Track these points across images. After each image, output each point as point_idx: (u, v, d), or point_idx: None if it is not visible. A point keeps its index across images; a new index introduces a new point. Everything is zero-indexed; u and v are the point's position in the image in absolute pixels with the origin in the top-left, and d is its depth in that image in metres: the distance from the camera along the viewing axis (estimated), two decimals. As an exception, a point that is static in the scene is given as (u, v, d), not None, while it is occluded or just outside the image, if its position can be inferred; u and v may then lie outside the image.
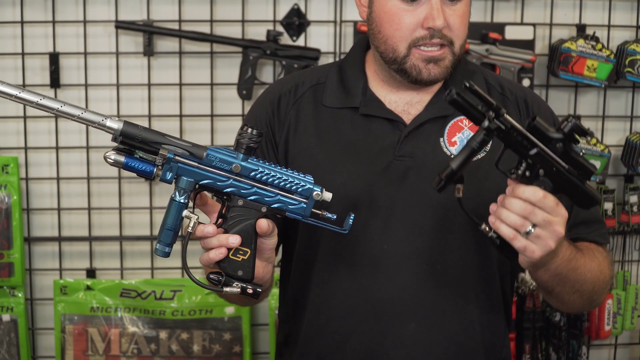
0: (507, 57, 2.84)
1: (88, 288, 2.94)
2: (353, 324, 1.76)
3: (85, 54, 2.90)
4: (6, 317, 2.94)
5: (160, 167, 1.48)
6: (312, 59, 2.87)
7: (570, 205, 1.63)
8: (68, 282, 2.95)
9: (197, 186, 1.52)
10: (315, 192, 1.55)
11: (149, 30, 2.84)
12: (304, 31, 2.93)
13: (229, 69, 2.90)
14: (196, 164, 1.50)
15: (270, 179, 1.54)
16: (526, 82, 2.87)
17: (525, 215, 1.48)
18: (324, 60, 2.90)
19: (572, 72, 2.86)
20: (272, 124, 1.82)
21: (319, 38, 2.93)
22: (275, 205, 1.55)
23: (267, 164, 1.54)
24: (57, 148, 2.94)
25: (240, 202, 1.53)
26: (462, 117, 1.74)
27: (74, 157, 2.95)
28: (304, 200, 1.56)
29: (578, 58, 2.86)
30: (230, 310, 2.94)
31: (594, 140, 2.92)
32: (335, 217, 1.58)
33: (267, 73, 2.93)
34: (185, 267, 1.54)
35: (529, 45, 2.86)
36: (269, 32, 2.87)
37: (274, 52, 2.86)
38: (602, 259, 1.78)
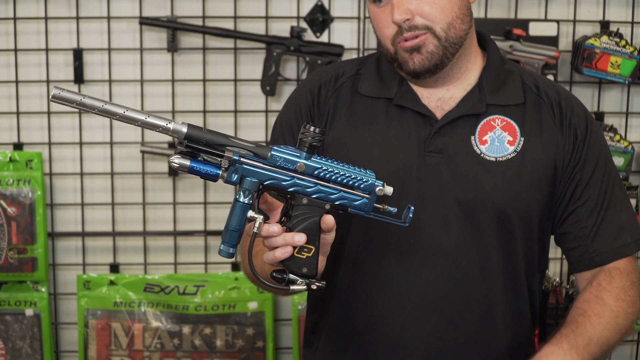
0: (531, 54, 2.81)
1: (111, 283, 2.94)
2: (376, 316, 1.77)
3: (109, 49, 2.90)
4: (29, 311, 2.95)
5: (225, 169, 1.48)
6: (336, 55, 2.86)
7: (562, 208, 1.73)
8: (91, 277, 2.95)
9: (261, 186, 1.51)
10: (377, 188, 1.55)
11: (173, 27, 2.84)
12: (327, 27, 2.92)
13: (253, 65, 2.91)
14: (261, 164, 1.50)
15: (334, 176, 1.54)
16: (550, 78, 2.72)
17: None
18: (347, 57, 2.89)
19: (596, 69, 2.85)
20: (312, 112, 1.83)
21: (343, 34, 2.93)
22: (339, 202, 1.55)
23: (329, 161, 1.54)
24: (80, 144, 2.95)
25: (305, 201, 1.53)
26: (495, 116, 1.75)
27: (98, 153, 2.96)
28: (367, 195, 1.56)
29: (602, 54, 2.84)
30: (253, 305, 2.94)
31: (617, 137, 2.90)
32: (395, 210, 1.58)
33: (291, 69, 2.92)
34: (251, 267, 1.53)
35: (552, 41, 2.85)
36: (292, 28, 2.87)
37: (298, 48, 2.86)
38: (617, 292, 1.76)
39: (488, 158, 1.74)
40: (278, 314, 3.03)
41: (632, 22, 2.95)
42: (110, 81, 2.92)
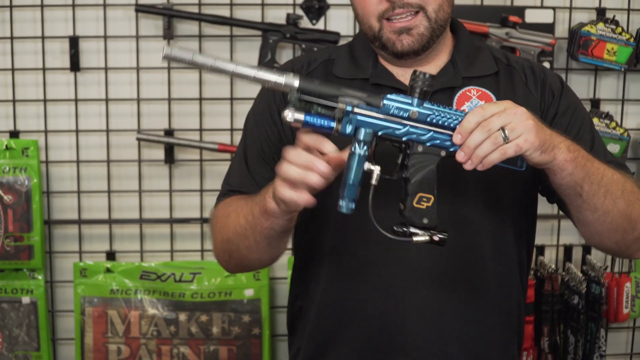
0: (527, 41, 2.82)
1: (108, 270, 2.94)
2: (367, 292, 1.76)
3: (105, 37, 2.89)
4: (26, 299, 2.94)
5: (339, 120, 1.47)
6: (332, 43, 2.84)
7: None
8: (88, 265, 2.94)
9: (375, 137, 1.50)
10: None
11: (169, 14, 2.83)
12: (323, 14, 2.91)
13: (249, 53, 2.88)
14: (374, 113, 1.49)
15: (447, 122, 1.51)
16: (546, 66, 2.72)
17: (487, 129, 1.47)
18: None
19: (592, 56, 2.84)
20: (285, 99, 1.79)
21: (339, 21, 2.92)
22: (454, 149, 1.52)
23: (441, 106, 1.52)
24: (77, 131, 2.94)
25: (420, 149, 1.52)
26: (470, 87, 1.76)
27: (94, 141, 2.95)
28: None
29: (598, 42, 2.83)
30: (249, 292, 2.93)
31: (613, 124, 2.89)
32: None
33: (287, 56, 2.91)
34: (372, 219, 1.49)
35: (548, 28, 2.85)
36: (288, 15, 2.85)
37: (294, 35, 2.85)
38: (622, 173, 1.74)
39: None
40: (274, 301, 3.03)
41: (629, 10, 2.95)
42: (106, 69, 2.91)
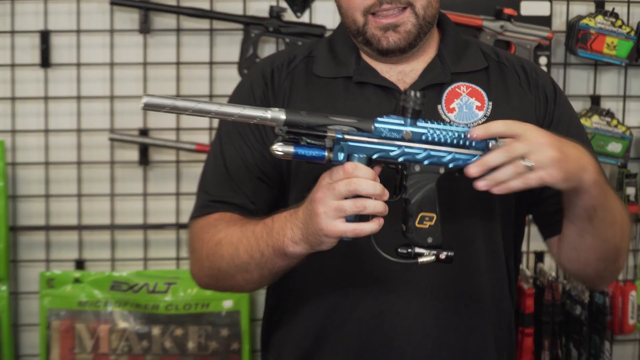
0: (523, 34, 2.76)
1: (76, 281, 2.84)
2: (354, 301, 1.73)
3: (78, 31, 2.82)
4: (-12, 312, 2.82)
5: (329, 149, 1.48)
6: (317, 36, 2.76)
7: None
8: (55, 274, 2.84)
9: (370, 161, 1.51)
10: (491, 143, 1.52)
11: (145, 7, 2.76)
12: (308, 7, 2.85)
13: (230, 47, 2.83)
14: (366, 138, 1.50)
15: (443, 138, 1.52)
16: (543, 60, 2.77)
17: (511, 158, 1.48)
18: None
19: (591, 50, 2.77)
20: (267, 96, 1.78)
21: (325, 14, 2.84)
22: (453, 164, 1.53)
23: (435, 123, 1.53)
24: (46, 131, 2.85)
25: (417, 168, 1.53)
26: (459, 83, 1.75)
27: (64, 141, 2.86)
28: (480, 152, 1.54)
29: (597, 35, 2.76)
30: (228, 304, 2.85)
31: (614, 122, 2.80)
32: None
33: (270, 51, 2.84)
34: (373, 244, 1.52)
35: (545, 21, 2.80)
36: (271, 8, 2.79)
37: (277, 29, 2.78)
38: (620, 200, 1.77)
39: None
40: (255, 313, 2.92)
41: (628, 2, 2.88)
42: (78, 64, 2.84)
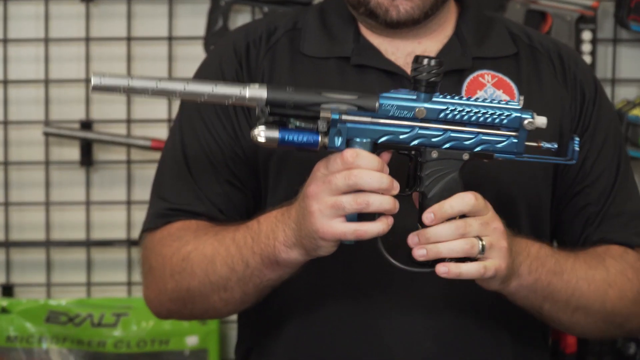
0: (562, 3, 2.54)
1: (3, 310, 2.62)
2: (352, 315, 1.65)
3: (5, 1, 2.59)
4: None
5: (324, 133, 1.40)
6: (303, 4, 2.48)
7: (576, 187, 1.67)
8: None
9: (375, 146, 1.43)
10: (526, 120, 1.44)
11: (88, -32, 2.57)
12: (292, -33, 2.69)
13: (193, 19, 2.62)
14: (369, 119, 1.42)
15: (466, 116, 1.44)
16: (587, 36, 2.55)
17: (464, 234, 1.43)
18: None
19: (647, 24, 2.58)
20: (241, 79, 1.68)
21: (313, -23, 2.65)
22: (479, 148, 1.45)
23: (455, 97, 1.45)
24: (-36, 124, 2.68)
25: (435, 154, 1.45)
26: (484, 71, 1.68)
27: (-13, 138, 2.70)
28: (513, 133, 1.45)
29: (654, 4, 2.56)
30: (192, 340, 2.65)
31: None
32: (556, 145, 1.47)
33: (243, 22, 2.55)
34: (381, 249, 1.43)
35: None
36: (246, -31, 2.60)
37: (253, -6, 2.62)
38: (623, 265, 1.67)
39: None
40: (225, 351, 2.71)
41: None
42: (5, 41, 2.57)
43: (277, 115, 1.39)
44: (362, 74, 1.66)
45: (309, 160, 1.47)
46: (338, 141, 1.39)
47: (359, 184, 1.35)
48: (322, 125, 1.39)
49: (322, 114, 1.39)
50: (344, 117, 1.40)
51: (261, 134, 1.37)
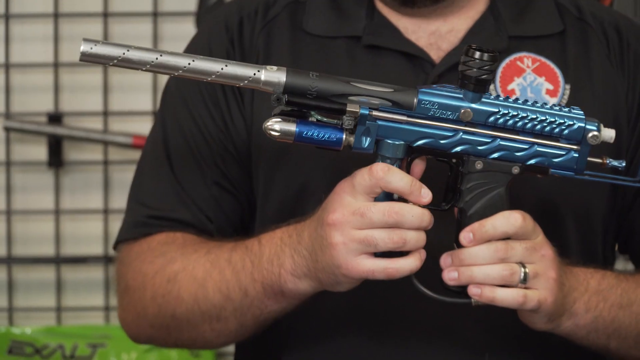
0: None
1: None
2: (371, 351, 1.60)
3: None
4: None
5: (350, 131, 1.32)
6: None
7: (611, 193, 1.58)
8: None
9: (409, 150, 1.38)
10: (591, 133, 1.35)
11: None
12: None
13: None
14: (405, 117, 1.34)
15: (520, 122, 1.36)
16: None
17: (504, 258, 1.36)
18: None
19: None
20: (231, 58, 1.59)
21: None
22: (533, 161, 1.36)
23: (510, 99, 1.38)
24: None
25: (479, 165, 1.36)
26: (523, 53, 1.61)
27: (-62, 133, 2.55)
28: (574, 147, 1.36)
29: None
30: None
31: None
32: (624, 163, 1.39)
33: (242, -5, 2.47)
34: (414, 282, 1.35)
35: None
36: None
37: (253, -37, 2.44)
38: None
39: None
40: None
41: None
42: None
43: (295, 105, 1.32)
44: (376, 56, 1.59)
45: (309, 159, 1.45)
46: (365, 141, 1.34)
47: (401, 222, 1.30)
48: (348, 121, 1.33)
49: (350, 108, 1.32)
50: (375, 113, 1.33)
51: (276, 126, 1.31)
